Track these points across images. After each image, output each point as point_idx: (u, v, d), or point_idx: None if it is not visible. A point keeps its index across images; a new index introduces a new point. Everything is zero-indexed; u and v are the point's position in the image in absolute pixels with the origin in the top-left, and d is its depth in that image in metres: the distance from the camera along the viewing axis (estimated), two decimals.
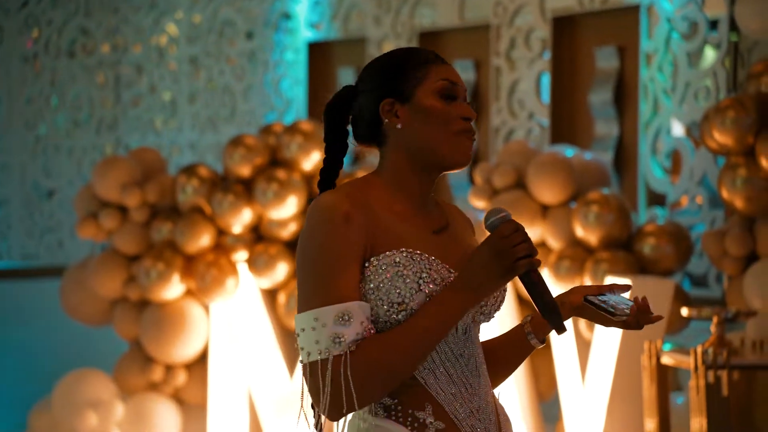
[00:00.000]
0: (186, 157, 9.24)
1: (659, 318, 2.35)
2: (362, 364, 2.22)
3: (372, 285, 2.26)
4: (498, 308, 2.40)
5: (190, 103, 9.42)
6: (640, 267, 5.42)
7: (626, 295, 2.40)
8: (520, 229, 2.24)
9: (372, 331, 2.25)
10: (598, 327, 5.28)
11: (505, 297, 2.42)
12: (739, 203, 4.94)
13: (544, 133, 7.23)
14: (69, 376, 6.27)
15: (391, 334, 2.25)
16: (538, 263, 2.25)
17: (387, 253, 2.26)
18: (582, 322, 5.46)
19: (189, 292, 6.14)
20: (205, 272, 6.00)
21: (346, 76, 8.43)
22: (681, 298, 5.34)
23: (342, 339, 2.21)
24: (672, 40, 6.49)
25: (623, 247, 5.46)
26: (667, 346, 4.86)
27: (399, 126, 2.33)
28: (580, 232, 5.47)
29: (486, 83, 7.64)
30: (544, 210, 5.69)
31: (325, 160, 2.42)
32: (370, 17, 8.24)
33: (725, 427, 4.39)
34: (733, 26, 6.04)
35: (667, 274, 5.43)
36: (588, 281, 5.39)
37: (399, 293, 2.25)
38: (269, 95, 8.85)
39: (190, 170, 6.17)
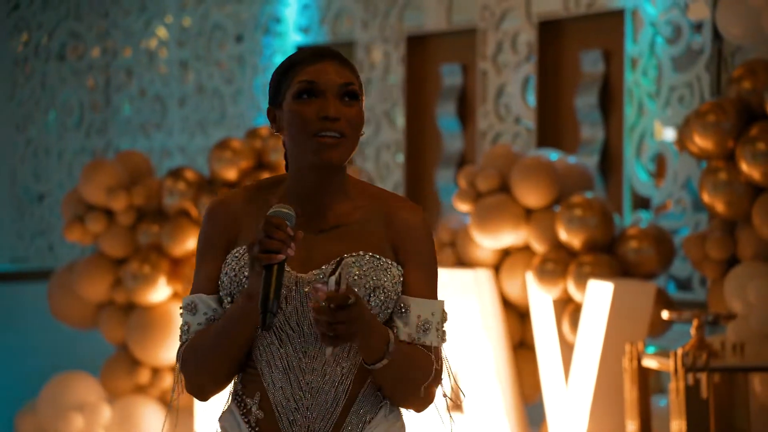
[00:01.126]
0: (176, 160, 9.25)
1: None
2: (185, 353, 2.37)
3: (221, 278, 2.37)
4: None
5: (180, 106, 9.44)
6: (623, 270, 5.44)
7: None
8: (270, 223, 2.24)
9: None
10: (581, 329, 5.30)
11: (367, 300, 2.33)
12: (719, 207, 4.96)
13: (530, 136, 7.26)
14: (56, 379, 6.28)
15: (210, 326, 2.36)
16: (267, 260, 2.22)
17: (234, 249, 2.37)
18: (566, 325, 5.48)
19: (175, 295, 6.16)
20: (192, 275, 6.01)
21: None
22: (663, 301, 5.37)
23: (187, 328, 2.39)
24: (656, 44, 6.53)
25: (606, 250, 5.49)
26: (650, 349, 4.88)
27: (275, 131, 2.40)
28: (563, 235, 5.49)
29: (473, 87, 7.67)
30: (528, 213, 5.72)
31: None
32: (358, 21, 8.27)
33: (704, 429, 4.41)
34: (717, 31, 6.07)
35: (649, 277, 5.45)
36: (571, 284, 5.42)
37: (224, 288, 2.36)
38: (259, 99, 8.87)
39: (176, 173, 6.17)
